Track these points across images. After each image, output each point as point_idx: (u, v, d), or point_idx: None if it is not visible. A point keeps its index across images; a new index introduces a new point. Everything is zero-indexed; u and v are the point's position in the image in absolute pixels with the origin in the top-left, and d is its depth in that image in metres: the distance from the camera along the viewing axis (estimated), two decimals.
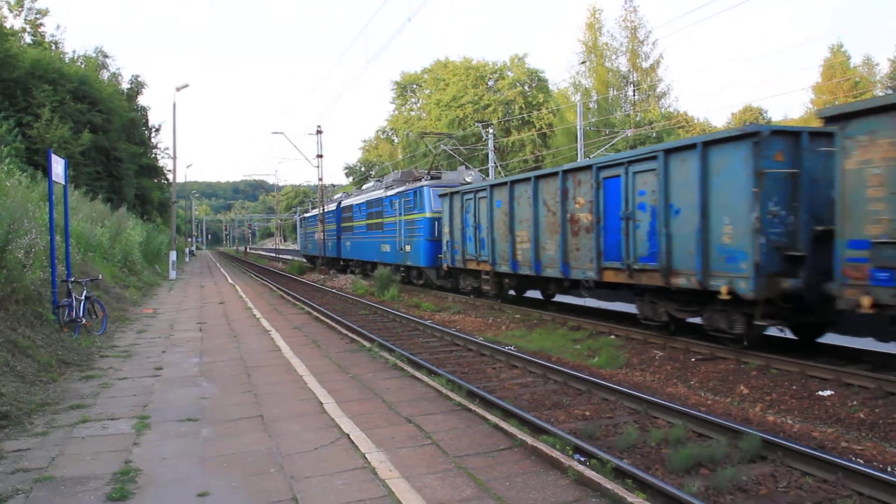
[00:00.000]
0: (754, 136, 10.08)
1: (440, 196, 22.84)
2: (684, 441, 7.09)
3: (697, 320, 12.04)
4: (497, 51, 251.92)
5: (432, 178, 25.73)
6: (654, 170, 12.17)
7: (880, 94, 47.36)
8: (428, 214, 23.84)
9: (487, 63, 75.16)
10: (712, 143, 11.01)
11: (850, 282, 8.68)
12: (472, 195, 20.07)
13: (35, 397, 8.08)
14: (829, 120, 9.08)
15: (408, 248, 25.56)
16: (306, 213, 55.46)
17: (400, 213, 26.30)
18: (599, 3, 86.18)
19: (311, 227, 46.47)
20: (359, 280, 30.38)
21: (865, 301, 8.42)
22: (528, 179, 16.73)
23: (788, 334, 11.52)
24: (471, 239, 20.14)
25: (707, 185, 11.00)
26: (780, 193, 10.14)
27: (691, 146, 11.36)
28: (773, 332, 11.31)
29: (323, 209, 40.35)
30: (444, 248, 22.29)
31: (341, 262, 37.76)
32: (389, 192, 28.18)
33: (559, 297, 18.94)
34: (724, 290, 10.51)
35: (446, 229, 21.99)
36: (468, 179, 24.32)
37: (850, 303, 8.75)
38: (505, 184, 17.93)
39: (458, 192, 21.15)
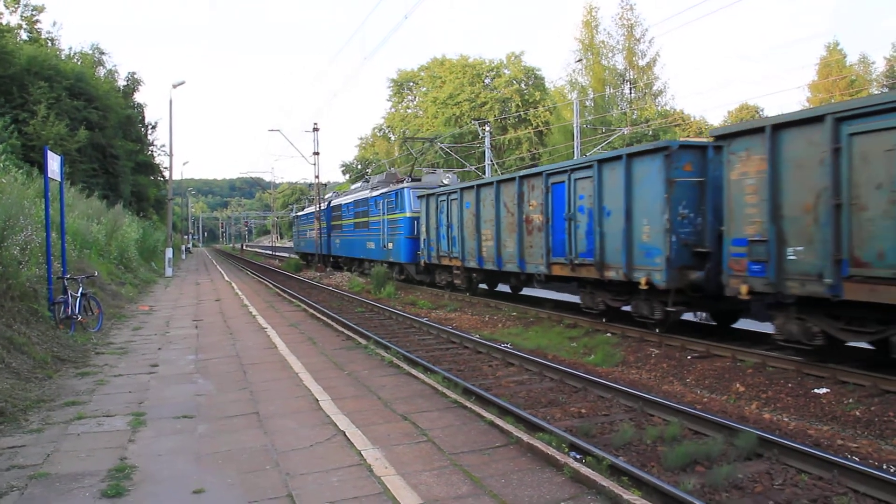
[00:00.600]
0: (666, 150, 11.75)
1: (419, 197, 24.48)
2: (680, 439, 7.10)
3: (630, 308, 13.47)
4: (494, 49, 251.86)
5: (413, 181, 27.30)
6: (591, 177, 13.79)
7: (876, 92, 47.43)
8: (408, 214, 25.46)
9: (484, 61, 75.24)
10: (634, 155, 12.64)
11: (734, 273, 10.36)
12: (445, 197, 21.73)
13: (30, 394, 8.06)
14: (718, 138, 10.74)
15: (390, 245, 27.17)
16: (299, 211, 57.50)
17: (383, 213, 27.85)
18: (596, 1, 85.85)
19: (304, 226, 48.60)
20: (355, 278, 30.37)
21: (743, 289, 10.10)
22: (491, 183, 18.44)
23: (709, 320, 13.30)
24: (444, 237, 21.86)
25: (631, 191, 12.60)
26: (689, 199, 11.72)
27: (619, 157, 12.98)
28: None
29: (319, 207, 40.45)
30: (422, 245, 23.99)
31: (331, 259, 39.03)
32: (374, 193, 29.74)
33: (526, 291, 20.24)
34: (643, 281, 12.16)
35: (423, 228, 23.72)
36: (445, 182, 25.74)
37: (734, 290, 10.35)
38: (472, 187, 19.65)
39: (433, 193, 22.83)
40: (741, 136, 10.23)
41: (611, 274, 13.30)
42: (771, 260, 9.65)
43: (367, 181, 34.54)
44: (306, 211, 49.54)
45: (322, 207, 40.83)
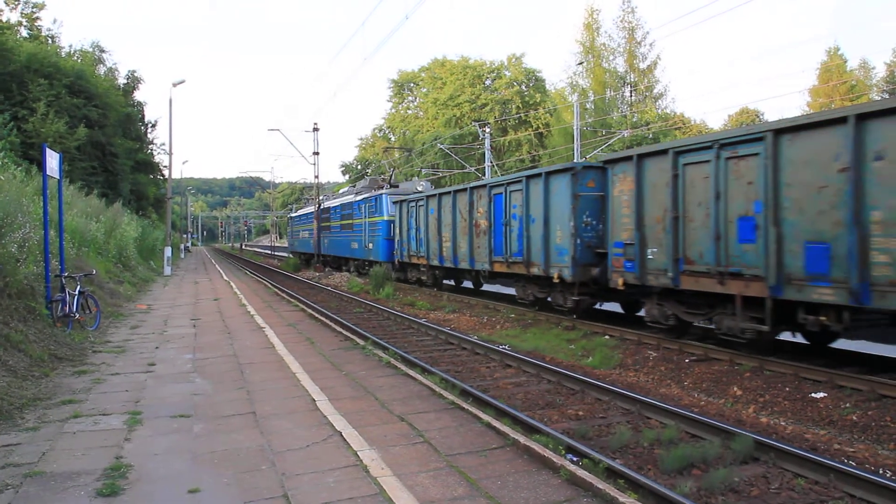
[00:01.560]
0: (572, 170, 14.48)
1: (394, 203, 27.31)
2: (677, 442, 7.09)
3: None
4: (495, 50, 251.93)
5: (391, 187, 30.00)
6: (521, 190, 16.52)
7: (877, 97, 47.47)
8: (385, 218, 28.10)
9: (485, 62, 75.26)
10: (551, 174, 15.34)
11: (615, 269, 13.18)
12: (414, 203, 24.53)
13: (27, 392, 8.05)
14: (606, 162, 13.63)
15: (370, 245, 29.81)
16: (293, 213, 60.47)
17: (365, 216, 30.59)
18: (597, 4, 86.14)
19: (297, 226, 51.55)
20: (354, 278, 30.46)
21: (620, 281, 12.92)
22: (449, 193, 21.39)
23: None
24: (414, 239, 24.63)
25: (548, 202, 15.24)
26: (592, 209, 14.35)
27: (539, 174, 15.70)
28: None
29: (318, 207, 40.57)
30: (397, 246, 26.83)
31: (321, 258, 40.82)
32: (358, 198, 32.59)
33: (488, 287, 22.92)
34: (556, 275, 14.95)
35: (397, 230, 26.64)
36: (419, 189, 28.14)
37: (615, 283, 13.12)
38: (435, 195, 22.43)
39: (405, 200, 25.73)
40: (619, 161, 13.06)
41: (535, 270, 16.03)
42: (637, 259, 12.40)
43: (354, 185, 37.88)
44: (299, 213, 52.96)
45: (313, 210, 42.96)
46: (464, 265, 20.35)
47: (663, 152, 11.75)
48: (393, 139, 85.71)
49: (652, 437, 7.17)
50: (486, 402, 8.33)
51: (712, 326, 11.23)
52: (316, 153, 42.16)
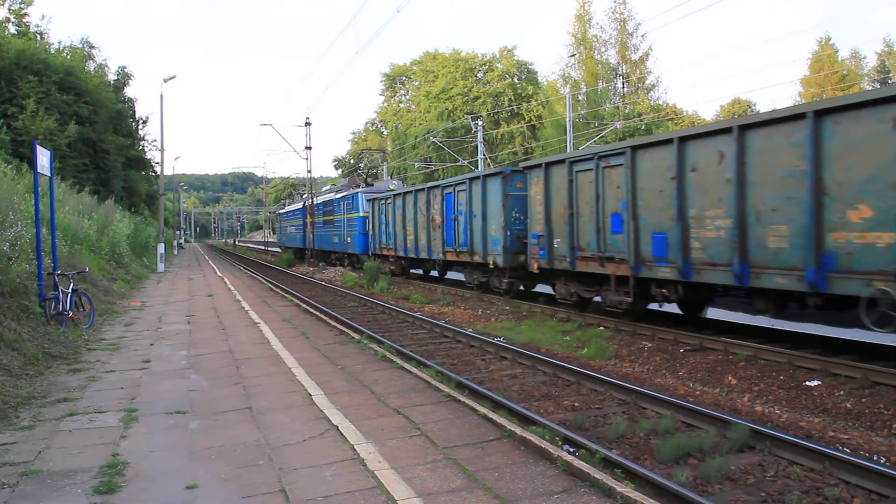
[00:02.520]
0: (502, 173, 17.45)
1: (368, 200, 29.99)
2: (673, 431, 7.12)
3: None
4: (487, 42, 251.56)
5: (367, 185, 33.26)
6: (465, 190, 19.50)
7: (868, 87, 47.57)
8: (361, 214, 31.11)
9: (477, 55, 75.05)
10: (487, 176, 18.34)
11: (532, 256, 15.92)
12: (384, 201, 27.38)
13: (21, 391, 8.03)
14: (525, 168, 16.49)
15: (349, 239, 32.97)
16: (282, 209, 63.92)
17: (344, 213, 33.78)
18: None
19: (285, 222, 55.45)
20: (348, 272, 30.56)
21: (535, 266, 15.86)
22: (411, 192, 24.33)
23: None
24: (384, 233, 27.54)
25: (486, 201, 18.19)
26: (519, 206, 16.98)
27: (478, 177, 18.74)
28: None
29: (312, 202, 40.66)
30: (370, 239, 29.66)
31: (309, 252, 42.39)
32: (337, 196, 35.85)
33: (449, 274, 25.22)
34: (491, 262, 17.97)
35: (371, 225, 29.47)
36: (392, 187, 30.51)
37: (532, 267, 16.02)
38: (401, 194, 25.40)
39: (376, 198, 28.42)
40: (534, 168, 15.90)
41: (477, 258, 18.92)
42: (546, 247, 15.22)
43: (335, 184, 41.76)
44: (287, 209, 56.47)
45: (299, 207, 46.30)
46: (423, 255, 23.17)
47: (562, 161, 14.62)
48: (385, 133, 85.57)
49: (648, 427, 7.19)
50: (482, 394, 8.33)
51: (588, 297, 14.66)
52: (308, 148, 42.04)
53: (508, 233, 17.01)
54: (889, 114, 8.04)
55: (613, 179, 12.88)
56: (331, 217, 36.85)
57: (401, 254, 25.59)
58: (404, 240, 24.86)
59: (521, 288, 18.39)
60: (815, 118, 8.85)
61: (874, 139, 8.23)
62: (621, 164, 12.57)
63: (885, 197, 8.10)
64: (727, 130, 10.28)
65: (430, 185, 22.82)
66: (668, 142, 11.42)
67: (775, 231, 9.61)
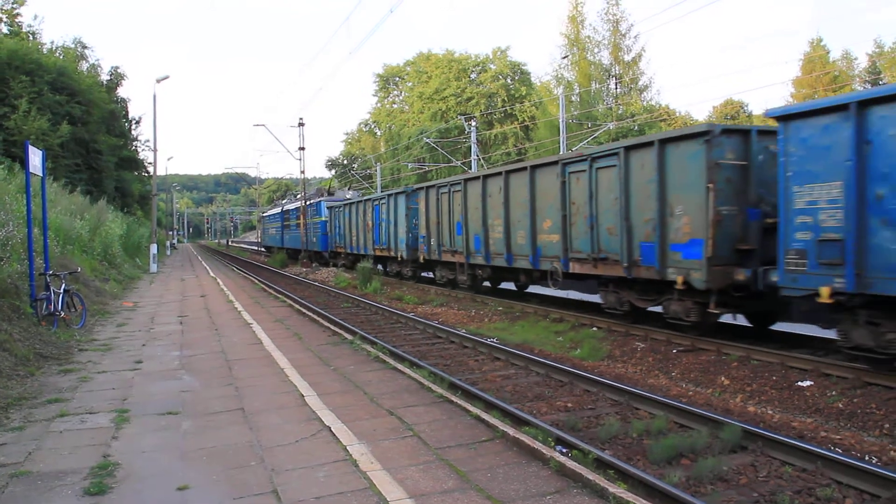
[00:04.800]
0: (405, 192, 24.67)
1: (328, 207, 37.03)
2: (666, 432, 7.13)
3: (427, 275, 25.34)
4: (480, 43, 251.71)
5: (329, 195, 40.69)
6: (384, 203, 26.77)
7: (859, 88, 47.74)
8: (323, 219, 37.84)
9: (470, 56, 75.10)
10: (397, 194, 25.62)
11: (420, 251, 22.82)
12: (339, 208, 34.56)
13: (12, 391, 7.98)
14: (415, 190, 23.82)
15: (314, 239, 40.01)
16: (263, 213, 71.92)
17: (310, 217, 40.89)
18: None
19: (268, 224, 63.16)
20: (341, 273, 30.70)
21: (421, 258, 22.90)
22: (356, 203, 31.42)
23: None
24: (338, 234, 34.99)
25: (396, 212, 25.34)
26: (416, 216, 23.74)
27: (393, 195, 26.07)
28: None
29: (305, 202, 40.88)
30: (329, 239, 37.00)
31: (284, 250, 49.70)
32: (308, 203, 42.10)
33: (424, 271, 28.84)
34: (399, 256, 25.09)
35: (329, 228, 36.81)
36: (348, 196, 38.78)
37: (420, 258, 22.98)
38: (349, 203, 32.60)
39: (333, 206, 35.81)
40: (420, 190, 23.14)
41: (391, 253, 26.40)
42: (427, 245, 22.29)
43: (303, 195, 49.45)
44: (268, 213, 65.27)
45: (278, 212, 54.22)
46: (362, 252, 30.40)
47: (433, 186, 21.96)
48: (379, 134, 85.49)
49: (641, 428, 7.20)
50: (475, 395, 8.34)
51: (452, 277, 21.45)
52: (302, 148, 42.00)
53: (410, 235, 24.34)
54: (557, 169, 14.42)
55: (455, 201, 20.14)
56: (299, 221, 43.16)
57: (349, 251, 32.83)
58: (350, 240, 32.24)
59: (423, 274, 25.54)
60: (531, 171, 15.61)
61: (552, 183, 14.71)
62: (459, 191, 19.72)
63: (555, 216, 14.60)
64: (499, 174, 17.26)
65: (366, 198, 30.47)
66: (477, 178, 18.58)
67: (521, 234, 16.37)
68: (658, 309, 12.35)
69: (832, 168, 8.52)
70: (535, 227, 15.42)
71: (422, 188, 22.63)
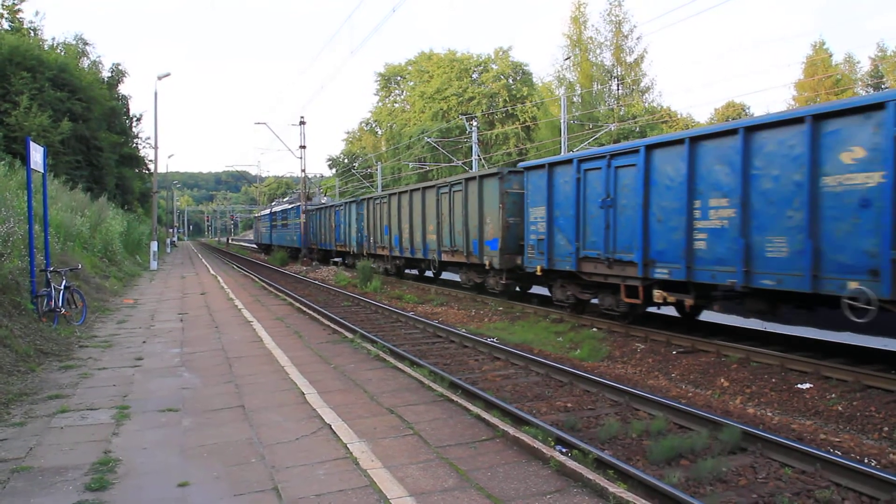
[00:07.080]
0: (356, 201, 31.59)
1: (303, 212, 42.62)
2: (665, 433, 7.14)
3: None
4: (482, 43, 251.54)
5: (308, 200, 44.67)
6: (343, 209, 33.66)
7: (861, 92, 47.76)
8: (302, 220, 43.41)
9: (472, 56, 75.09)
10: (350, 203, 32.52)
11: (365, 247, 30.19)
12: (314, 211, 41.34)
13: (13, 387, 7.99)
14: (361, 200, 30.81)
15: (294, 237, 45.53)
16: (257, 214, 77.64)
17: (292, 219, 46.97)
18: None
19: (260, 224, 69.80)
20: (341, 272, 30.66)
21: (365, 252, 30.23)
22: (325, 208, 38.38)
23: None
24: (312, 233, 41.84)
25: (349, 216, 32.38)
26: (361, 220, 30.40)
27: (349, 202, 32.87)
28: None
29: (305, 201, 41.05)
30: (307, 237, 42.42)
31: (274, 246, 56.08)
32: (289, 207, 49.63)
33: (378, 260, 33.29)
34: (352, 250, 32.15)
35: (304, 228, 42.62)
36: (324, 201, 47.48)
37: (364, 253, 30.18)
38: (321, 208, 39.48)
39: (310, 210, 41.90)
40: (364, 201, 30.00)
41: (347, 249, 33.06)
42: (369, 242, 29.34)
43: (292, 199, 58.67)
44: (260, 214, 72.18)
45: (268, 213, 61.54)
46: (329, 247, 37.19)
47: (371, 198, 28.66)
48: (380, 133, 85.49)
49: (640, 429, 7.22)
50: (475, 394, 8.35)
51: (386, 266, 27.76)
52: (303, 147, 42.00)
53: (359, 234, 30.59)
54: (434, 191, 21.14)
55: (383, 210, 26.61)
56: (285, 221, 50.74)
57: (319, 247, 40.02)
58: (321, 237, 39.51)
59: (373, 265, 28.33)
60: (422, 192, 22.47)
61: (433, 199, 21.30)
62: (385, 203, 26.26)
63: (434, 222, 21.04)
64: (406, 192, 23.64)
65: (330, 204, 38.59)
66: (395, 194, 24.79)
67: (417, 235, 22.63)
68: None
69: (541, 198, 14.88)
70: (425, 229, 22.24)
71: (365, 199, 29.80)
